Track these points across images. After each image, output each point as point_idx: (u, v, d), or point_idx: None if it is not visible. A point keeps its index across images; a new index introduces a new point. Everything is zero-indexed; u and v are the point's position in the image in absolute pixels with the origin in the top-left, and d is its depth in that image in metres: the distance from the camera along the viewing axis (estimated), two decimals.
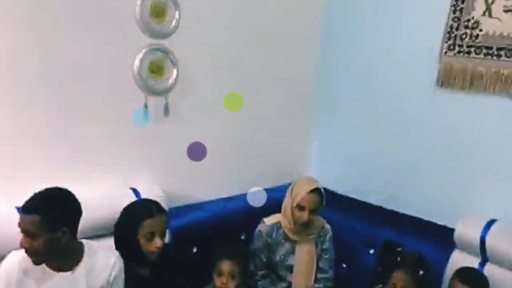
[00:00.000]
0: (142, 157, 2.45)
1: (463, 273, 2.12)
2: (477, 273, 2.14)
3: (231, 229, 2.60)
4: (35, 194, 1.72)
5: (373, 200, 2.80)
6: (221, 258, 2.28)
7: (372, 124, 2.88)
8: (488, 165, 2.39)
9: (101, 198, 2.15)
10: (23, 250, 1.76)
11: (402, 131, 2.73)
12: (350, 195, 2.91)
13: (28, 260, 1.74)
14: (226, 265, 2.25)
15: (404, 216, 2.61)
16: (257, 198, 1.82)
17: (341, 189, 2.94)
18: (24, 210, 1.68)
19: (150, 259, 2.00)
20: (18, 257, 1.77)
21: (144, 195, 2.23)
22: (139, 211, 2.00)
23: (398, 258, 2.20)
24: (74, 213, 1.79)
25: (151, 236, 1.96)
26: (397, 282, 2.14)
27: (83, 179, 2.15)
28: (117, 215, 2.03)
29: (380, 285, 2.34)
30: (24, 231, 1.68)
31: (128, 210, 2.04)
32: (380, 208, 2.73)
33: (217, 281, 2.27)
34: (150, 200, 2.09)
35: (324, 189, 2.44)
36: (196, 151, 1.99)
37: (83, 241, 1.87)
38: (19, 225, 1.69)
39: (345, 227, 2.67)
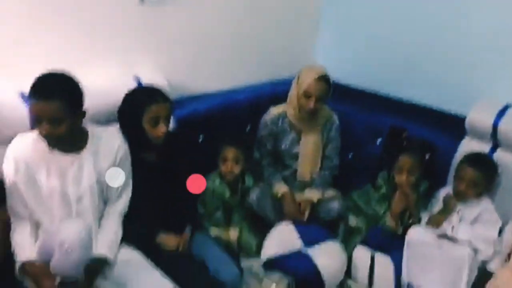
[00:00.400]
0: (143, 45, 2.36)
1: (472, 157, 2.11)
2: (486, 157, 2.12)
3: (236, 120, 2.58)
4: (47, 79, 1.66)
5: (381, 90, 2.72)
6: (226, 145, 2.32)
7: (380, 13, 2.73)
8: (501, 47, 2.26)
9: (103, 85, 2.10)
10: (28, 134, 1.77)
11: (409, 18, 2.59)
12: (358, 86, 2.83)
13: (35, 144, 1.74)
14: (230, 152, 2.30)
15: (412, 104, 2.55)
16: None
17: (349, 80, 2.85)
18: (44, 96, 1.62)
19: (155, 144, 2.00)
20: (25, 141, 1.76)
21: (146, 83, 2.17)
22: (144, 96, 1.97)
23: (404, 143, 2.18)
24: (84, 95, 1.76)
25: (155, 122, 1.94)
26: (403, 165, 2.14)
27: (84, 66, 2.07)
28: (119, 102, 2.00)
29: (385, 171, 2.35)
30: (47, 118, 1.63)
31: (132, 96, 2.01)
32: (387, 98, 2.67)
33: (223, 167, 2.33)
34: (154, 87, 2.05)
35: (332, 81, 2.36)
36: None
37: (87, 126, 1.86)
38: (35, 112, 1.64)
39: (352, 117, 2.63)
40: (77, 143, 1.80)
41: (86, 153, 1.81)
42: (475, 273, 1.98)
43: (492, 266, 2.02)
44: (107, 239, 1.84)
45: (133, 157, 1.95)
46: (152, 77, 2.25)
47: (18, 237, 1.75)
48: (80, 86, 1.74)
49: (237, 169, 2.32)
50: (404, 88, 2.63)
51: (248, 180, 2.43)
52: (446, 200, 2.14)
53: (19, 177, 1.73)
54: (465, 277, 1.93)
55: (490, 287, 1.95)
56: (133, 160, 1.95)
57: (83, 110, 1.75)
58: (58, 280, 1.65)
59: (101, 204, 1.88)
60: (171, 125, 2.11)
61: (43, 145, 1.73)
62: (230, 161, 2.30)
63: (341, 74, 2.72)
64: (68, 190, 1.78)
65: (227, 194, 2.37)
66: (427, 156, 2.18)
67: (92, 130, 1.86)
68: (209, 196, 2.36)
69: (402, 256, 2.09)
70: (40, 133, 1.68)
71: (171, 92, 2.16)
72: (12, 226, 1.78)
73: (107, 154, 1.86)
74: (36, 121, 1.68)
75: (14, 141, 1.77)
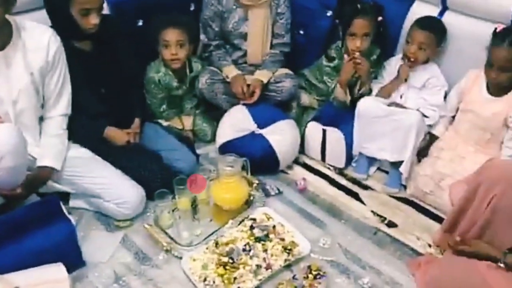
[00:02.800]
0: None
1: (422, 20, 2.08)
2: (435, 19, 2.10)
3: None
4: None
5: None
6: (165, 27, 2.13)
7: None
8: None
9: None
10: None
11: None
12: None
13: None
14: (172, 34, 2.12)
15: None
16: None
17: None
18: None
19: (89, 33, 1.84)
20: None
21: None
22: None
23: (358, 6, 2.10)
24: None
25: (86, 12, 1.77)
26: (358, 30, 2.09)
27: None
28: None
29: (338, 42, 2.29)
30: None
31: None
32: None
33: (166, 54, 2.17)
34: None
35: None
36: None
37: (8, 17, 1.66)
38: None
39: None
40: (1, 38, 1.62)
41: (13, 49, 1.65)
42: (422, 138, 2.06)
43: (437, 130, 2.11)
44: (52, 150, 1.77)
45: (67, 47, 1.80)
46: None
47: None
48: None
49: (182, 54, 2.17)
50: None
51: (196, 66, 2.33)
52: (401, 70, 2.13)
53: None
54: (413, 141, 2.00)
55: (435, 148, 2.05)
56: (68, 50, 1.81)
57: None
58: None
59: (38, 105, 1.77)
60: (105, 10, 1.93)
61: None
62: (173, 45, 2.13)
63: None
64: (1, 93, 1.65)
65: (175, 84, 2.27)
66: (379, 19, 2.12)
67: (16, 22, 1.67)
68: (155, 87, 2.25)
69: (353, 129, 2.14)
70: None
71: None
72: None
73: (37, 50, 1.70)
74: None
75: None
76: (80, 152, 1.87)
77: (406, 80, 2.14)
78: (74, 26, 1.80)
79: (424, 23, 2.06)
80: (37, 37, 1.71)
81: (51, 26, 1.80)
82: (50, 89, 1.77)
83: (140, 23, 2.31)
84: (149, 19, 2.26)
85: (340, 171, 2.22)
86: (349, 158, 2.22)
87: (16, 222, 1.57)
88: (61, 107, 1.82)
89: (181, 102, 2.39)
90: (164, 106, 2.33)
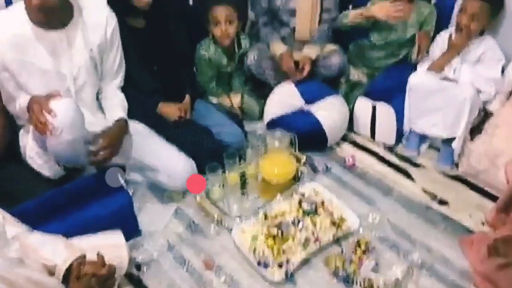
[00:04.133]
0: None
1: None
2: None
3: None
4: None
5: None
6: (215, 4, 2.15)
7: None
8: None
9: None
10: (10, 11, 1.66)
11: None
12: None
13: (19, 23, 1.62)
14: (221, 11, 2.15)
15: None
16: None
17: None
18: None
19: (142, 10, 1.89)
20: (7, 20, 1.64)
21: None
22: None
23: None
24: None
25: None
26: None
27: None
28: None
29: None
30: None
31: None
32: None
33: (216, 31, 2.20)
34: None
35: None
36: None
37: None
38: None
39: None
40: (63, 17, 1.69)
41: (74, 27, 1.72)
42: (476, 114, 2.00)
43: (492, 106, 2.03)
44: (119, 105, 1.85)
45: (120, 25, 1.85)
46: None
47: None
48: None
49: (231, 30, 2.19)
50: None
51: (245, 43, 2.35)
52: (454, 42, 2.05)
53: (7, 60, 1.64)
54: (466, 117, 1.94)
55: (490, 125, 1.98)
56: (121, 28, 1.86)
57: None
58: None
59: (96, 81, 1.85)
60: None
61: (28, 22, 1.63)
62: (223, 22, 2.16)
63: None
64: (62, 69, 1.72)
65: (224, 61, 2.30)
66: None
67: (76, 0, 1.74)
68: (205, 65, 2.29)
69: (404, 105, 2.10)
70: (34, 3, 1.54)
71: None
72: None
73: (96, 28, 1.76)
74: None
75: None
76: (134, 126, 1.94)
77: (459, 53, 2.06)
78: (128, 3, 1.86)
79: None
80: (96, 15, 1.77)
81: (107, 3, 1.85)
82: (108, 65, 1.85)
83: (191, 1, 2.34)
84: None
85: (390, 148, 2.19)
86: (400, 135, 2.18)
87: (78, 192, 1.67)
88: (117, 81, 1.91)
89: (230, 79, 2.42)
90: (213, 83, 2.37)
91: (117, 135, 1.77)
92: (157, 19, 1.97)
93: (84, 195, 1.67)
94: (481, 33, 2.04)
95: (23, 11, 1.62)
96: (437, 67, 2.09)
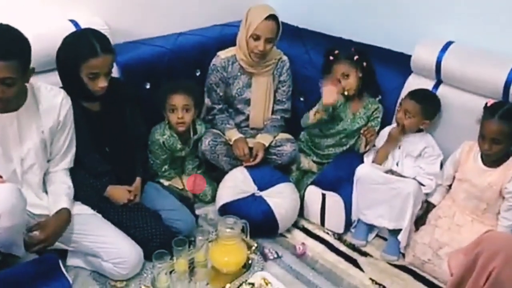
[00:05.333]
0: None
1: (415, 92, 2.19)
2: (427, 91, 2.21)
3: (185, 65, 2.49)
4: None
5: (332, 31, 2.69)
6: (172, 93, 2.21)
7: None
8: None
9: (38, 32, 1.92)
10: None
11: None
12: (308, 28, 2.79)
13: None
14: (179, 99, 2.21)
15: (362, 45, 2.53)
16: None
17: (298, 22, 2.80)
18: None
19: (98, 95, 1.91)
20: None
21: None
22: (82, 49, 1.81)
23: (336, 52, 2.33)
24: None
25: (94, 76, 1.83)
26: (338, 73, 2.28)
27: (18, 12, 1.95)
28: (54, 49, 1.86)
29: None
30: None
31: (70, 45, 1.85)
32: (339, 39, 2.64)
33: (173, 118, 2.24)
34: (94, 34, 1.87)
35: (281, 22, 2.31)
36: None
37: None
38: None
39: (303, 59, 2.60)
40: (15, 102, 1.68)
41: (26, 110, 1.71)
42: (419, 206, 2.09)
43: (434, 198, 2.14)
44: (63, 194, 1.80)
45: (75, 107, 1.86)
46: (90, 21, 2.12)
47: None
48: (26, 39, 1.60)
49: (188, 118, 2.24)
50: (353, 29, 2.61)
51: (200, 129, 2.39)
52: (390, 133, 2.21)
53: None
54: (410, 210, 2.03)
55: (432, 216, 2.07)
56: (76, 109, 1.87)
57: (31, 67, 1.63)
58: None
59: (45, 162, 1.82)
60: (114, 73, 2.02)
61: None
62: (180, 109, 2.21)
63: (290, 15, 2.66)
64: (9, 152, 1.69)
65: (179, 146, 2.33)
66: (364, 64, 2.32)
67: (32, 84, 1.74)
68: (159, 149, 2.30)
69: (352, 194, 2.17)
70: None
71: (112, 38, 2.04)
72: None
73: (50, 111, 1.76)
74: None
75: None
76: (81, 210, 1.88)
77: (396, 145, 2.20)
78: (83, 88, 1.86)
79: (414, 93, 2.17)
80: (51, 99, 1.78)
81: (62, 87, 1.87)
82: (58, 146, 1.82)
83: (148, 86, 2.40)
84: (157, 83, 2.36)
85: (339, 237, 2.22)
86: (349, 223, 2.23)
87: (14, 279, 1.56)
88: (66, 162, 1.87)
89: (183, 162, 2.43)
90: (166, 167, 2.36)
91: (55, 227, 1.72)
92: (113, 103, 1.99)
93: (20, 282, 1.57)
94: (420, 130, 2.19)
95: None
96: (379, 160, 2.22)
